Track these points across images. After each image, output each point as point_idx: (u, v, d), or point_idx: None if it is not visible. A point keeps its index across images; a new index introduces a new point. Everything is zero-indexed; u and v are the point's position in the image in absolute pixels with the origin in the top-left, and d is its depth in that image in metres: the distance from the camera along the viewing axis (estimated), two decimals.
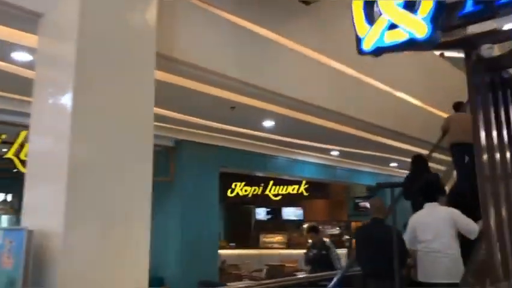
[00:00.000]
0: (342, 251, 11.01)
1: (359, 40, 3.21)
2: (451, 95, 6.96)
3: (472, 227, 3.87)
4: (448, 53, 9.32)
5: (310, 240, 6.81)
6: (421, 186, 4.34)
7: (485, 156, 3.10)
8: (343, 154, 9.57)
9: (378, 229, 4.27)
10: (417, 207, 4.40)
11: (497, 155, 3.25)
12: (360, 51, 3.23)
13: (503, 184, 3.14)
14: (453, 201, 4.37)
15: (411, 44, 2.98)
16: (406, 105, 7.47)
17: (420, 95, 7.59)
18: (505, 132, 3.31)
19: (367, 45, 3.15)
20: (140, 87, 3.20)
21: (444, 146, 6.28)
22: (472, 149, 5.61)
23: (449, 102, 6.83)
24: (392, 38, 3.05)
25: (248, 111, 5.75)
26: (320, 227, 7.58)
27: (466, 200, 4.22)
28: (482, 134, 3.21)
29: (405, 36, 2.97)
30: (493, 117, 3.16)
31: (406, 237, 4.18)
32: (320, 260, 6.29)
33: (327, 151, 9.19)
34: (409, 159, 9.52)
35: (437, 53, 8.21)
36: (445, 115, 7.24)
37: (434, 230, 3.94)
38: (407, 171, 10.46)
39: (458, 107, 6.49)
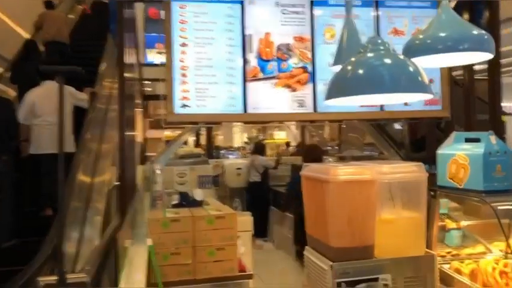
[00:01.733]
0: None
1: None
2: (30, 11, 6.61)
3: (82, 97, 4.60)
4: None
5: None
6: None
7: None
8: None
9: None
10: (31, 86, 4.66)
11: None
12: None
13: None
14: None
15: None
16: None
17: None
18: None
19: None
20: None
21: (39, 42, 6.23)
22: (64, 47, 6.09)
23: (28, 19, 6.52)
24: None
25: None
26: None
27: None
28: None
29: None
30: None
31: (22, 112, 4.39)
32: None
33: None
34: None
35: None
36: (22, 31, 6.88)
37: (53, 104, 4.22)
38: None
39: (50, 4, 6.50)
